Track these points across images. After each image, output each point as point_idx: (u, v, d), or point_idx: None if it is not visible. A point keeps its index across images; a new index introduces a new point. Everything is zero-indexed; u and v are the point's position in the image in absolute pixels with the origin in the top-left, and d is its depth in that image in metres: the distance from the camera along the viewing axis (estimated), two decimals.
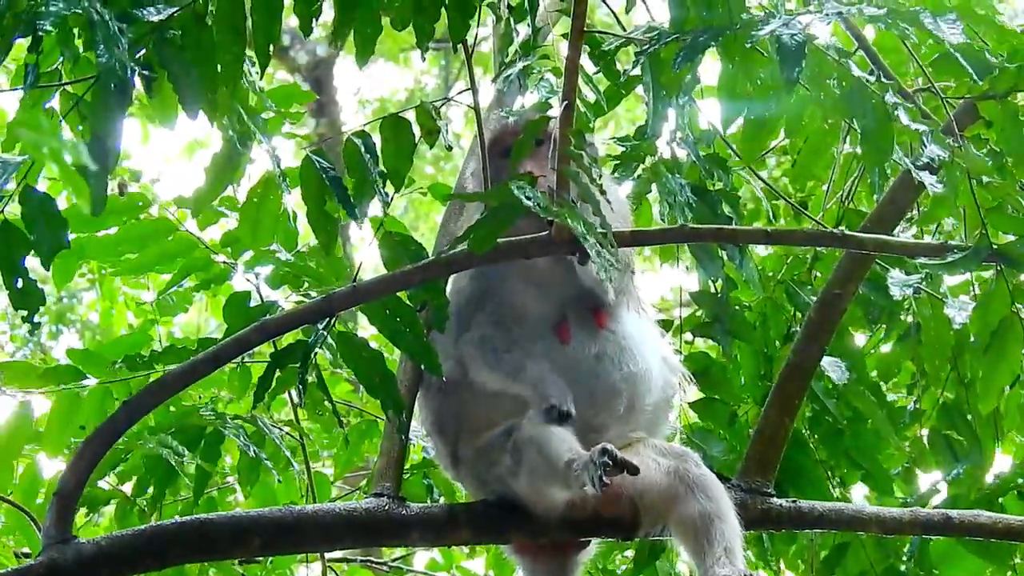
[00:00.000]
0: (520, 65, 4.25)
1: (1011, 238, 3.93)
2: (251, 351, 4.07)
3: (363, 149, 3.91)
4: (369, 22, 3.74)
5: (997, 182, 3.83)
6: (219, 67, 3.61)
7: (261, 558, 5.11)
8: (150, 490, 4.58)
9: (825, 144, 4.47)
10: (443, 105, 4.05)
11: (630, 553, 5.12)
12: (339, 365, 3.90)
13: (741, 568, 3.80)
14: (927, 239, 4.80)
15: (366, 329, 4.37)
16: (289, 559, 5.33)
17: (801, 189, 5.29)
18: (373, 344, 3.93)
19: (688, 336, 5.04)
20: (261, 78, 3.84)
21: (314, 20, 3.75)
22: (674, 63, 3.67)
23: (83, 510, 4.81)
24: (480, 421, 4.10)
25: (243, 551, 3.98)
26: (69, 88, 3.64)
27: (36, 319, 3.57)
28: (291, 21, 3.79)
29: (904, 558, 4.90)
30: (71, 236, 3.57)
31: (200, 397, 5.06)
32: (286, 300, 4.36)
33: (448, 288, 3.98)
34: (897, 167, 4.09)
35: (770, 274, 5.05)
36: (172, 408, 4.65)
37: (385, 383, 3.88)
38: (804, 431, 4.87)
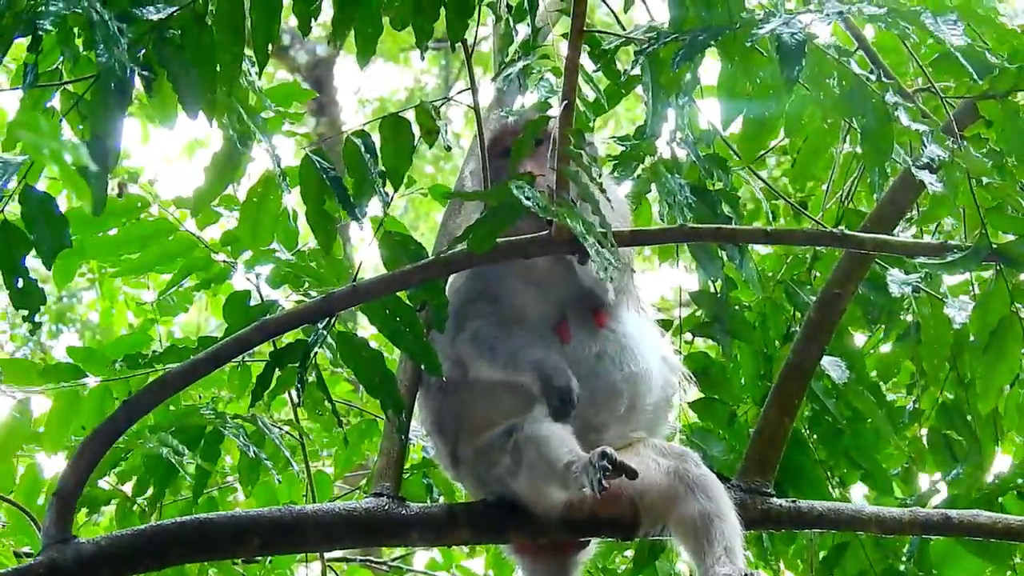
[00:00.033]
0: (520, 65, 4.24)
1: (1011, 238, 3.93)
2: (251, 351, 4.07)
3: (363, 149, 3.91)
4: (370, 22, 3.75)
5: (997, 182, 3.83)
6: (218, 67, 3.62)
7: (261, 558, 5.11)
8: (150, 490, 4.58)
9: (825, 144, 4.46)
10: (443, 105, 4.04)
11: (630, 553, 5.12)
12: (339, 365, 3.90)
13: (741, 567, 3.80)
14: (927, 239, 4.80)
15: (366, 329, 4.37)
16: (289, 559, 5.33)
17: (801, 189, 5.29)
18: (373, 344, 3.93)
19: (688, 336, 5.04)
20: (260, 77, 3.84)
21: (313, 20, 3.75)
22: (673, 62, 3.67)
23: (83, 510, 4.82)
24: (480, 421, 4.10)
25: (243, 551, 3.98)
26: (69, 87, 3.64)
27: (36, 319, 3.57)
28: (291, 21, 3.79)
29: (903, 558, 4.91)
30: (72, 237, 3.57)
31: (200, 397, 5.07)
32: (286, 300, 4.36)
33: (447, 288, 3.98)
34: (897, 167, 4.10)
35: (770, 274, 5.05)
36: (172, 407, 4.65)
37: (385, 383, 3.88)
38: (804, 431, 4.87)
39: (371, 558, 6.40)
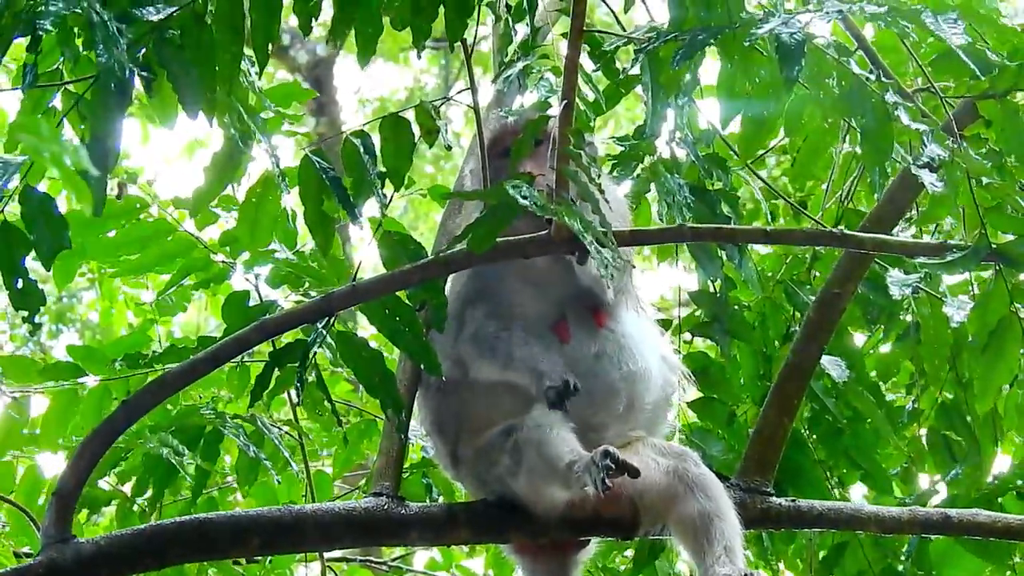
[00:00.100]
0: (520, 65, 4.24)
1: (1010, 238, 3.94)
2: (250, 350, 4.07)
3: (362, 149, 3.91)
4: (370, 21, 3.74)
5: (996, 182, 3.83)
6: (218, 67, 3.61)
7: (260, 557, 5.11)
8: (150, 490, 4.58)
9: (824, 144, 4.46)
10: (443, 105, 4.04)
11: (630, 552, 5.12)
12: (338, 364, 3.90)
13: (741, 567, 3.80)
14: (926, 239, 4.80)
15: (366, 329, 4.37)
16: (288, 559, 5.33)
17: (800, 189, 5.29)
18: (373, 344, 3.93)
19: (687, 336, 5.04)
20: (260, 77, 3.84)
21: (313, 19, 3.75)
22: (672, 62, 3.67)
23: (83, 510, 4.82)
24: (480, 421, 4.10)
25: (242, 551, 3.98)
26: (70, 88, 3.64)
27: (36, 319, 3.57)
28: (291, 20, 3.79)
29: (903, 558, 4.91)
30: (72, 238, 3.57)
31: (200, 397, 5.07)
32: (285, 300, 4.35)
33: (447, 288, 3.98)
34: (897, 166, 4.09)
35: (769, 274, 5.06)
36: (171, 407, 4.65)
37: (384, 383, 3.88)
38: (803, 431, 4.88)
39: (371, 558, 6.40)
